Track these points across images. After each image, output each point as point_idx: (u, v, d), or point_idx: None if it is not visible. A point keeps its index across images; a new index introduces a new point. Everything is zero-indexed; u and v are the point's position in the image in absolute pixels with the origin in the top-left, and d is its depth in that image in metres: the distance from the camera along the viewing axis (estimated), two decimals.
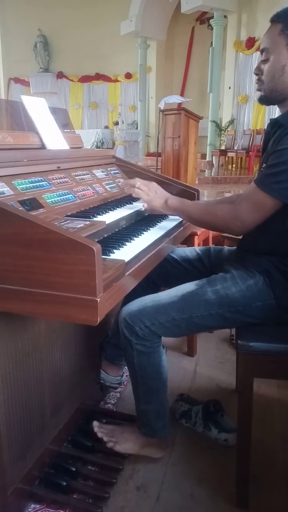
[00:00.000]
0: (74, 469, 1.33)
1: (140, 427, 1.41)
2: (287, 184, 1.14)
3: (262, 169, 1.27)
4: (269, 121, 1.32)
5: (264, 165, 1.24)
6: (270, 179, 1.16)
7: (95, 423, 1.43)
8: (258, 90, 1.29)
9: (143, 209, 1.48)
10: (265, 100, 1.29)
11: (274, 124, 1.27)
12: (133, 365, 1.33)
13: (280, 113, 1.28)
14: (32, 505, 1.25)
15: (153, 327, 1.26)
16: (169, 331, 1.28)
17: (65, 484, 1.28)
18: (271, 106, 1.31)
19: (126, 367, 1.73)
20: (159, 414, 1.38)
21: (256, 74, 1.28)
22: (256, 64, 1.30)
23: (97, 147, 11.15)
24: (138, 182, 1.41)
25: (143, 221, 1.55)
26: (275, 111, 1.31)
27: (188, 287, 1.30)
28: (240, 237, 1.45)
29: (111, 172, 1.80)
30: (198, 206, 1.38)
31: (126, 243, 1.21)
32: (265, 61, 1.24)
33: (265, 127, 1.36)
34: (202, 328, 1.32)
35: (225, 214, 1.27)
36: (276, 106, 1.31)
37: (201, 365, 2.10)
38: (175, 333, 1.31)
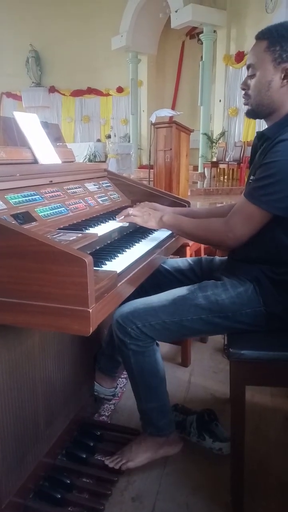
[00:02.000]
0: (69, 482, 1.33)
1: (144, 428, 1.44)
2: (275, 196, 1.16)
3: (250, 181, 1.30)
4: (255, 134, 1.35)
5: (252, 177, 1.27)
6: (259, 192, 1.19)
7: (105, 459, 1.43)
8: (245, 104, 1.33)
9: (127, 225, 1.50)
10: (252, 113, 1.33)
11: (261, 137, 1.31)
12: (130, 364, 1.35)
13: (267, 126, 1.31)
14: None
15: (144, 329, 1.29)
16: (160, 334, 1.31)
17: (60, 496, 1.28)
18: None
19: (120, 379, 1.74)
20: (161, 411, 1.40)
21: (243, 89, 1.32)
22: (244, 78, 1.33)
23: (89, 160, 11.21)
24: (130, 210, 1.47)
25: (135, 232, 1.57)
26: (265, 123, 1.34)
27: (180, 291, 1.33)
28: None
29: (103, 185, 1.82)
30: (191, 221, 1.40)
31: (118, 254, 1.23)
32: (251, 76, 1.27)
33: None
34: (192, 332, 1.35)
35: (218, 228, 1.30)
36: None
37: (195, 375, 2.11)
38: (166, 336, 1.34)
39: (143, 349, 1.33)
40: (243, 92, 1.32)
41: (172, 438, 1.45)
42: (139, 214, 1.46)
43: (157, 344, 1.39)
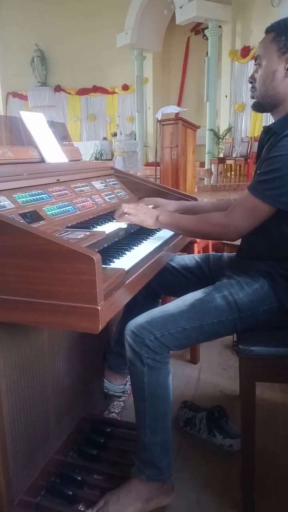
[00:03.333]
0: (80, 478, 1.34)
1: (142, 470, 1.28)
2: (279, 190, 1.16)
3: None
4: (262, 129, 1.35)
5: (258, 172, 1.27)
6: (263, 186, 1.18)
7: None
8: (252, 97, 1.33)
9: (125, 226, 1.45)
10: (258, 106, 1.32)
11: (268, 131, 1.30)
12: (142, 383, 1.25)
13: (274, 120, 1.31)
14: None
15: (163, 339, 1.21)
16: (178, 342, 1.25)
17: (71, 493, 1.29)
18: (269, 113, 1.34)
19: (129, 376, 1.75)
20: (164, 447, 1.28)
21: (250, 82, 1.32)
22: (251, 72, 1.33)
23: (96, 158, 11.22)
24: (125, 207, 1.41)
25: (142, 230, 1.57)
26: (271, 118, 1.33)
27: (195, 295, 1.29)
28: (239, 243, 1.47)
29: (110, 183, 1.82)
30: (189, 218, 1.37)
31: (126, 252, 1.23)
32: (258, 68, 1.28)
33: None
34: (212, 336, 1.29)
35: (219, 221, 1.29)
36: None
37: (205, 372, 2.11)
38: (184, 344, 1.27)
39: (159, 365, 1.24)
40: (250, 85, 1.33)
41: (168, 484, 1.30)
42: (134, 213, 1.40)
43: (170, 366, 1.31)
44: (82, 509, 1.28)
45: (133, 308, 1.61)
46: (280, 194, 1.16)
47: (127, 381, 1.75)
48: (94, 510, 1.25)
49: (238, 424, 1.36)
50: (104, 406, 1.77)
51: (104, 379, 1.69)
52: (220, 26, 9.77)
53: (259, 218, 1.22)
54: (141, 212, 1.41)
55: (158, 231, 1.56)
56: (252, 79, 1.30)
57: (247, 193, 1.22)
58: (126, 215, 1.40)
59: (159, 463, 1.27)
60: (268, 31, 1.25)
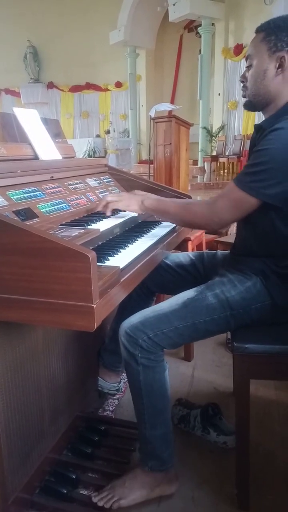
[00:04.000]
0: (74, 477, 1.34)
1: (145, 462, 1.31)
2: (264, 183, 1.16)
3: None
4: (254, 127, 1.35)
5: (245, 164, 1.27)
6: (249, 178, 1.19)
7: (92, 496, 1.29)
8: (243, 96, 1.33)
9: (136, 214, 1.48)
10: (250, 105, 1.33)
11: (258, 129, 1.30)
12: (138, 382, 1.26)
13: (265, 118, 1.31)
14: None
15: (156, 338, 1.23)
16: (172, 341, 1.26)
17: (65, 492, 1.29)
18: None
19: (124, 374, 1.75)
20: (165, 439, 1.31)
21: (242, 82, 1.32)
22: (243, 71, 1.33)
23: (89, 156, 11.18)
24: (108, 197, 1.43)
25: (137, 228, 1.57)
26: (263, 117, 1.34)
27: (188, 294, 1.30)
28: (232, 241, 1.47)
29: (104, 180, 1.82)
30: (175, 205, 1.38)
31: (121, 250, 1.22)
32: (249, 67, 1.29)
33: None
34: (205, 334, 1.30)
35: (203, 211, 1.29)
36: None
37: (199, 369, 2.11)
38: (177, 343, 1.28)
39: (153, 363, 1.25)
40: (241, 84, 1.33)
41: (171, 473, 1.34)
42: (118, 199, 1.42)
43: (166, 362, 1.32)
44: (85, 492, 1.30)
45: (127, 306, 1.61)
46: (265, 187, 1.16)
47: (121, 379, 1.75)
48: (101, 495, 1.28)
49: (232, 421, 1.37)
50: (99, 404, 1.77)
51: (99, 377, 1.69)
52: (213, 24, 9.76)
53: (243, 210, 1.23)
54: (124, 198, 1.43)
55: (154, 228, 1.56)
56: (244, 79, 1.31)
57: (232, 185, 1.22)
58: (110, 204, 1.41)
59: (161, 454, 1.31)
60: (258, 31, 1.26)
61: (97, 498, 1.28)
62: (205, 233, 2.55)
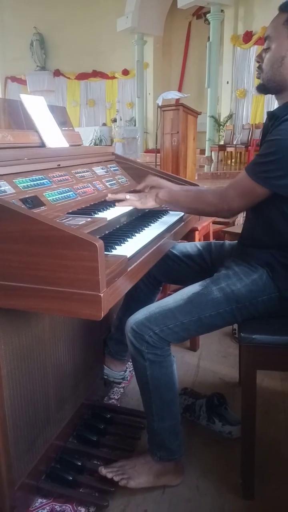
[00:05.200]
0: (80, 464, 1.35)
1: (154, 452, 1.32)
2: (274, 173, 1.15)
3: None
4: (266, 115, 1.32)
5: (256, 154, 1.26)
6: (259, 168, 1.18)
7: (101, 468, 1.31)
8: (258, 77, 1.30)
9: (128, 209, 1.45)
10: (263, 88, 1.30)
11: (272, 117, 1.28)
12: (145, 377, 1.27)
13: (278, 105, 1.28)
14: (39, 500, 1.27)
15: (162, 334, 1.22)
16: (178, 336, 1.26)
17: (71, 478, 1.30)
18: (270, 100, 1.32)
19: (129, 362, 1.75)
20: (174, 431, 1.32)
21: (257, 62, 1.28)
22: (254, 57, 1.30)
23: (95, 144, 11.12)
24: (127, 195, 1.43)
25: (144, 217, 1.56)
26: (274, 105, 1.32)
27: (193, 288, 1.29)
28: (239, 231, 1.46)
29: (111, 169, 1.80)
30: (187, 193, 1.39)
31: (128, 239, 1.21)
32: (267, 49, 1.24)
33: (264, 121, 1.37)
34: (210, 328, 1.30)
35: (213, 198, 1.29)
36: (275, 99, 1.31)
37: (204, 359, 2.12)
38: (183, 337, 1.28)
39: (160, 358, 1.26)
40: (256, 64, 1.29)
41: (179, 465, 1.36)
42: (136, 198, 1.42)
43: (173, 356, 1.32)
44: (81, 491, 1.30)
45: (134, 296, 1.61)
46: (274, 178, 1.15)
47: (127, 368, 1.76)
48: (111, 469, 1.31)
49: (238, 411, 1.37)
50: (104, 392, 1.78)
51: (104, 366, 1.69)
52: (222, 11, 9.60)
53: (252, 199, 1.22)
54: (142, 196, 1.43)
55: (160, 217, 1.55)
56: (260, 59, 1.27)
57: (244, 174, 1.22)
58: (129, 201, 1.42)
59: (169, 445, 1.32)
60: (282, 10, 1.19)
61: (106, 470, 1.30)
62: (213, 222, 2.53)
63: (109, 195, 1.45)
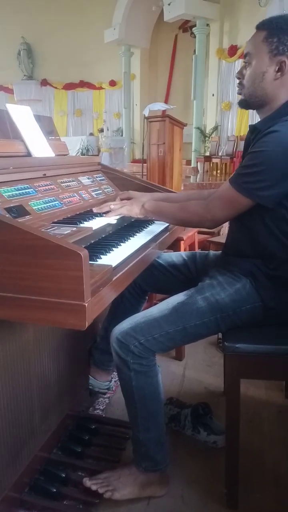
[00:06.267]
0: (64, 475, 1.34)
1: (139, 463, 1.32)
2: (257, 184, 1.17)
3: None
4: (248, 128, 1.35)
5: (240, 165, 1.28)
6: (243, 179, 1.20)
7: (85, 480, 1.30)
8: (239, 93, 1.33)
9: (115, 222, 1.48)
10: (245, 104, 1.32)
11: (253, 130, 1.30)
12: (131, 387, 1.27)
13: (260, 119, 1.31)
14: None
15: (147, 343, 1.23)
16: (163, 346, 1.26)
17: (55, 490, 1.28)
18: (255, 113, 1.34)
19: (114, 372, 1.74)
20: (159, 441, 1.32)
21: (238, 78, 1.31)
22: (239, 68, 1.33)
23: (82, 154, 11.14)
24: (111, 204, 1.45)
25: (130, 226, 1.56)
26: (258, 118, 1.34)
27: (178, 298, 1.30)
28: (224, 241, 1.48)
29: (97, 179, 1.81)
30: (172, 205, 1.41)
31: (113, 248, 1.22)
32: (247, 65, 1.27)
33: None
34: (195, 337, 1.30)
35: (198, 209, 1.31)
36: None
37: (190, 368, 2.12)
38: (168, 347, 1.29)
39: (145, 368, 1.26)
40: (237, 81, 1.32)
41: (164, 475, 1.36)
42: (121, 205, 1.45)
43: (158, 366, 1.32)
44: (66, 503, 1.28)
45: (120, 305, 1.61)
46: (258, 189, 1.17)
47: (112, 378, 1.75)
48: (96, 480, 1.30)
49: (222, 420, 1.37)
50: (89, 403, 1.76)
51: (90, 376, 1.69)
52: (208, 25, 9.76)
53: (236, 209, 1.24)
54: (127, 203, 1.45)
55: (146, 227, 1.56)
56: (240, 75, 1.30)
57: (227, 185, 1.24)
58: (114, 210, 1.43)
59: (154, 456, 1.31)
60: (259, 28, 1.24)
61: (90, 482, 1.30)
62: (198, 232, 2.55)
63: (94, 210, 1.47)
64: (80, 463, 1.42)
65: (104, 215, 1.43)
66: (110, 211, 1.44)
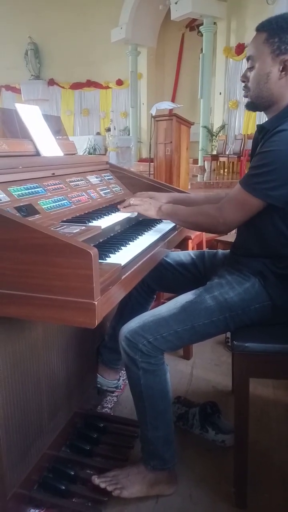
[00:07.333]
0: (73, 473, 1.34)
1: (147, 461, 1.33)
2: (268, 184, 1.16)
3: None
4: (256, 127, 1.35)
5: (250, 166, 1.27)
6: (253, 180, 1.19)
7: (94, 477, 1.31)
8: (245, 96, 1.33)
9: (134, 216, 1.54)
10: (252, 106, 1.32)
11: (261, 130, 1.30)
12: (139, 386, 1.27)
13: (267, 119, 1.31)
14: (31, 510, 1.26)
15: (156, 342, 1.23)
16: (172, 345, 1.26)
17: (64, 488, 1.29)
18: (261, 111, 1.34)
19: (123, 371, 1.75)
20: (167, 440, 1.32)
21: (243, 81, 1.31)
22: (244, 71, 1.32)
23: (89, 153, 11.16)
24: (131, 200, 1.50)
25: (138, 225, 1.57)
26: (265, 116, 1.34)
27: (186, 297, 1.30)
28: (232, 241, 1.47)
29: (105, 178, 1.81)
30: (186, 208, 1.41)
31: (122, 247, 1.22)
32: (250, 68, 1.27)
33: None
34: (204, 336, 1.30)
35: (210, 213, 1.31)
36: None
37: (197, 367, 2.12)
38: (177, 345, 1.29)
39: (154, 367, 1.26)
40: (243, 84, 1.32)
41: (172, 474, 1.36)
42: (140, 203, 1.47)
43: (167, 365, 1.32)
44: (74, 501, 1.29)
45: (128, 304, 1.62)
46: (269, 188, 1.17)
47: (120, 376, 1.75)
48: (104, 478, 1.30)
49: (230, 419, 1.37)
50: (97, 401, 1.77)
51: (98, 374, 1.69)
52: (215, 23, 9.74)
53: (248, 211, 1.23)
54: (146, 203, 1.47)
55: (154, 225, 1.57)
56: (245, 78, 1.29)
57: (238, 187, 1.23)
58: (133, 206, 1.47)
59: (163, 454, 1.32)
60: (259, 30, 1.24)
61: (99, 480, 1.30)
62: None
63: (121, 209, 1.52)
64: (89, 461, 1.42)
65: (121, 209, 1.49)
66: (129, 205, 1.48)
